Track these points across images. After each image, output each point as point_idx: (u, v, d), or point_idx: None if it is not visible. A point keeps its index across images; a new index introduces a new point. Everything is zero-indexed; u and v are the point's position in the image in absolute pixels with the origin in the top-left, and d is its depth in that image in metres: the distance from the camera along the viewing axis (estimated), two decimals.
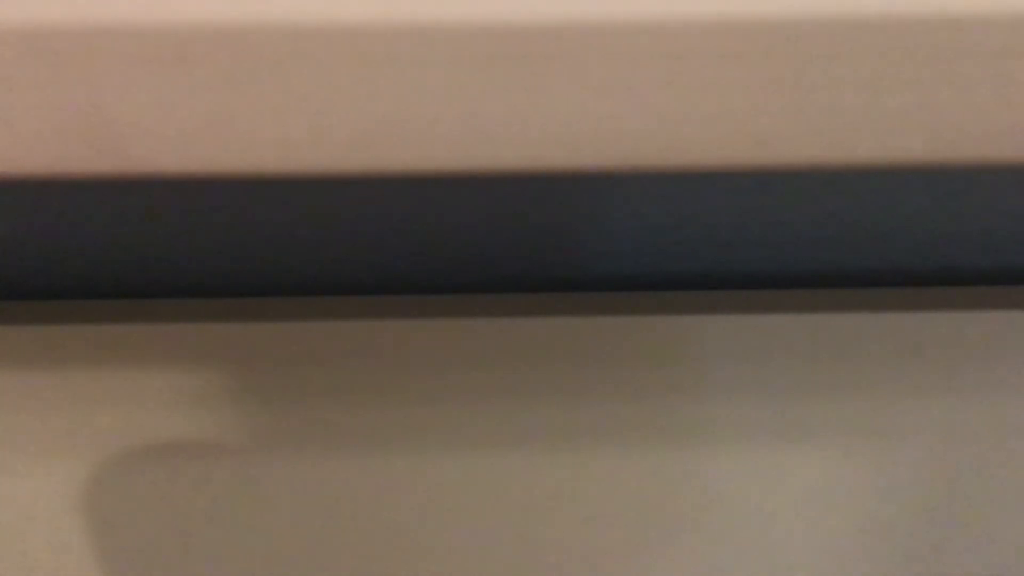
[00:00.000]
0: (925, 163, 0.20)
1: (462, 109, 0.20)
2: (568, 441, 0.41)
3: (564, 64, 0.19)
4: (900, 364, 0.40)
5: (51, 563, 0.41)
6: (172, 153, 0.20)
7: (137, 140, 0.20)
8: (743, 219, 0.41)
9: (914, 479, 0.41)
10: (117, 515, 0.41)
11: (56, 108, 0.19)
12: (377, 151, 0.20)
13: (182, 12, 0.19)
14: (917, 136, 0.20)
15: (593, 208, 0.40)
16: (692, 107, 0.20)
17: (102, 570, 0.41)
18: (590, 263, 0.42)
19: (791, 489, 0.41)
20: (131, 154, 0.20)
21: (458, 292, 0.41)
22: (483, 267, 0.42)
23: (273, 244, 0.41)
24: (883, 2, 0.19)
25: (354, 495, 0.41)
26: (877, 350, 0.40)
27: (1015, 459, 0.41)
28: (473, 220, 0.41)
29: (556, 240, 0.41)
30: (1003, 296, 0.41)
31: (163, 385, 0.40)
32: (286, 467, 0.41)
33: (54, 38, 0.19)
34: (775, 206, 0.40)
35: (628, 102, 0.20)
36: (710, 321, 0.40)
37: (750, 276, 0.42)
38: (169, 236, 0.40)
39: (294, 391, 0.40)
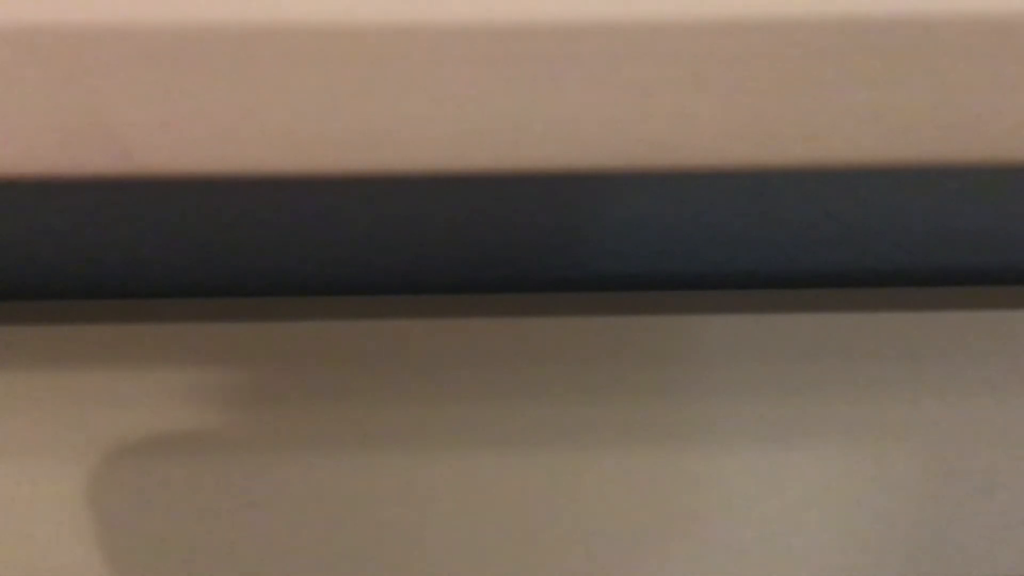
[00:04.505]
0: (925, 163, 0.20)
1: (462, 109, 0.20)
2: (568, 441, 0.41)
3: (564, 64, 0.19)
4: (900, 364, 0.40)
5: (51, 562, 0.41)
6: (172, 153, 0.20)
7: (137, 140, 0.20)
8: (743, 219, 0.41)
9: (914, 479, 0.41)
10: (117, 515, 0.41)
11: (56, 108, 0.19)
12: (377, 151, 0.20)
13: (182, 12, 0.19)
14: (917, 136, 0.20)
15: (593, 208, 0.40)
16: (692, 107, 0.20)
17: (102, 569, 0.41)
18: (590, 263, 0.42)
19: (791, 489, 0.41)
20: (131, 154, 0.20)
21: (458, 292, 0.41)
22: (483, 267, 0.42)
23: (273, 244, 0.41)
24: (883, 2, 0.19)
25: (354, 495, 0.41)
26: (877, 350, 0.40)
27: (1015, 459, 0.41)
28: (473, 220, 0.41)
29: (556, 240, 0.41)
30: (1003, 296, 0.41)
31: (163, 385, 0.40)
32: (286, 467, 0.41)
33: (54, 38, 0.19)
34: (775, 206, 0.40)
35: (629, 102, 0.20)
36: (710, 321, 0.40)
37: (750, 276, 0.42)
38: (169, 236, 0.40)
39: (294, 391, 0.40)
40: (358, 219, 0.40)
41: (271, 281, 0.42)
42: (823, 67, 0.20)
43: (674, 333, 0.40)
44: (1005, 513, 0.41)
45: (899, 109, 0.20)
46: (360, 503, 0.41)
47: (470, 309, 0.40)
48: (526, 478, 0.41)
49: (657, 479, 0.41)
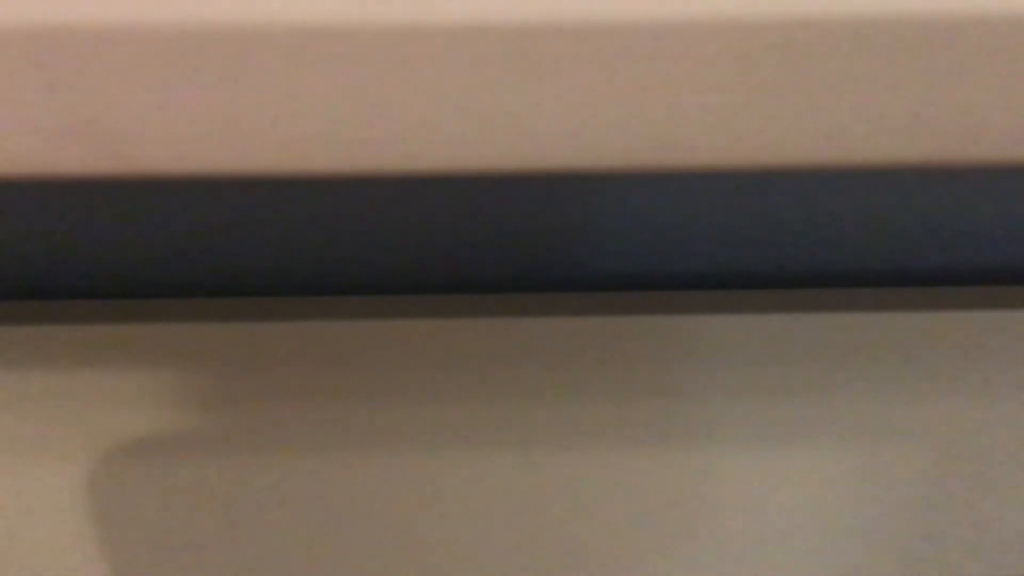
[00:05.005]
0: (925, 163, 0.20)
1: (462, 109, 0.20)
2: (568, 441, 0.41)
3: (564, 64, 0.19)
4: (900, 364, 0.40)
5: (51, 563, 0.41)
6: (172, 153, 0.20)
7: (137, 140, 0.20)
8: (743, 219, 0.41)
9: (914, 479, 0.41)
10: (117, 515, 0.41)
11: (56, 108, 0.19)
12: (377, 151, 0.20)
13: (182, 12, 0.19)
14: (917, 136, 0.20)
15: (593, 208, 0.40)
16: (692, 107, 0.20)
17: (102, 570, 0.41)
18: (590, 263, 0.42)
19: (791, 489, 0.41)
20: (131, 154, 0.20)
21: (458, 292, 0.41)
22: (483, 267, 0.42)
23: (273, 244, 0.41)
24: (882, 2, 0.19)
25: (354, 495, 0.41)
26: (877, 350, 0.40)
27: (1015, 459, 0.41)
28: (473, 220, 0.41)
29: (556, 240, 0.41)
30: (1003, 296, 0.41)
31: (163, 385, 0.40)
32: (286, 467, 0.41)
33: (54, 38, 0.19)
34: (775, 206, 0.40)
35: (628, 102, 0.20)
36: (710, 321, 0.40)
37: (750, 276, 0.42)
38: (169, 236, 0.40)
39: (294, 391, 0.40)
40: (358, 219, 0.40)
41: (271, 281, 0.42)
42: (823, 67, 0.20)
43: (674, 333, 0.40)
44: (1004, 513, 0.41)
45: (899, 109, 0.20)
46: (360, 503, 0.41)
47: (470, 309, 0.40)
48: (526, 478, 0.41)
49: (657, 479, 0.41)
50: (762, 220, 0.41)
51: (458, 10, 0.19)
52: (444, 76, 0.19)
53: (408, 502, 0.41)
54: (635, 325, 0.40)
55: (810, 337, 0.40)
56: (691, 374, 0.40)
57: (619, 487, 0.41)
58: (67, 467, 0.40)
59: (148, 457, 0.40)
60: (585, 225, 0.41)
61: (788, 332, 0.40)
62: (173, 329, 0.40)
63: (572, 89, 0.20)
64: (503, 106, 0.20)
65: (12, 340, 0.39)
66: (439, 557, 0.41)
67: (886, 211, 0.41)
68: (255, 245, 0.41)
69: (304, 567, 0.41)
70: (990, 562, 0.42)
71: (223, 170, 0.20)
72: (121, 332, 0.40)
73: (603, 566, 0.42)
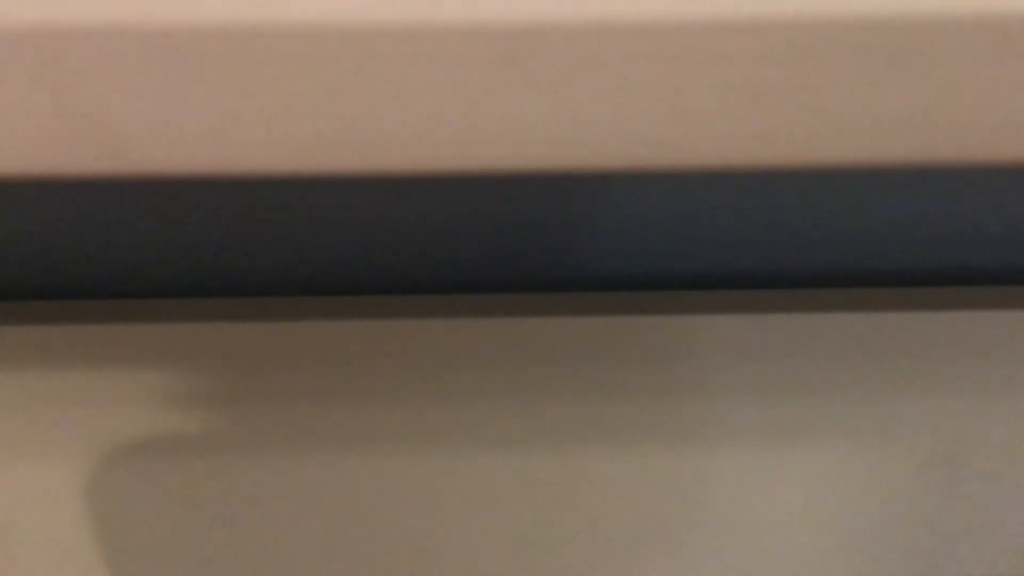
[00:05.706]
0: (925, 163, 0.20)
1: (462, 109, 0.20)
2: (568, 441, 0.41)
3: (564, 64, 0.19)
4: (900, 364, 0.40)
5: (50, 563, 0.41)
6: (172, 153, 0.20)
7: (137, 140, 0.20)
8: (743, 219, 0.41)
9: (914, 479, 0.41)
10: (116, 515, 0.41)
11: (56, 108, 0.19)
12: (378, 151, 0.20)
13: (182, 12, 0.19)
14: (917, 136, 0.20)
15: (593, 208, 0.40)
16: (692, 107, 0.20)
17: (101, 570, 0.41)
18: (590, 263, 0.42)
19: (791, 489, 0.41)
20: (131, 154, 0.20)
21: (458, 292, 0.41)
22: (483, 267, 0.42)
23: (273, 244, 0.41)
24: (882, 2, 0.19)
25: (353, 495, 0.41)
26: (877, 350, 0.40)
27: (1015, 459, 0.41)
28: (473, 220, 0.41)
29: (556, 240, 0.41)
30: (1003, 296, 0.41)
31: (162, 385, 0.40)
32: (285, 467, 0.41)
33: (54, 38, 0.19)
34: (775, 206, 0.40)
35: (628, 102, 0.20)
36: (710, 321, 0.40)
37: (750, 276, 0.42)
38: (169, 236, 0.41)
39: (294, 391, 0.40)
40: (358, 219, 0.40)
41: (271, 281, 0.42)
42: (822, 67, 0.20)
43: (674, 333, 0.40)
44: (1004, 512, 0.41)
45: (898, 109, 0.20)
46: (360, 503, 0.41)
47: (470, 309, 0.40)
48: (526, 478, 0.41)
49: (657, 479, 0.41)
50: (762, 220, 0.41)
51: (458, 10, 0.19)
52: (444, 76, 0.19)
53: (408, 502, 0.41)
54: (635, 325, 0.40)
55: (810, 337, 0.40)
56: (691, 374, 0.40)
57: (619, 487, 0.41)
58: (67, 467, 0.40)
59: (148, 457, 0.40)
60: (585, 225, 0.41)
61: (788, 332, 0.40)
62: (173, 329, 0.40)
63: (572, 89, 0.20)
64: (503, 106, 0.20)
65: (12, 340, 0.39)
66: (439, 557, 0.41)
67: (885, 211, 0.41)
68: (255, 245, 0.41)
69: (304, 567, 0.41)
70: (990, 562, 0.42)
71: (223, 170, 0.20)
72: (121, 332, 0.40)
73: (603, 566, 0.42)
